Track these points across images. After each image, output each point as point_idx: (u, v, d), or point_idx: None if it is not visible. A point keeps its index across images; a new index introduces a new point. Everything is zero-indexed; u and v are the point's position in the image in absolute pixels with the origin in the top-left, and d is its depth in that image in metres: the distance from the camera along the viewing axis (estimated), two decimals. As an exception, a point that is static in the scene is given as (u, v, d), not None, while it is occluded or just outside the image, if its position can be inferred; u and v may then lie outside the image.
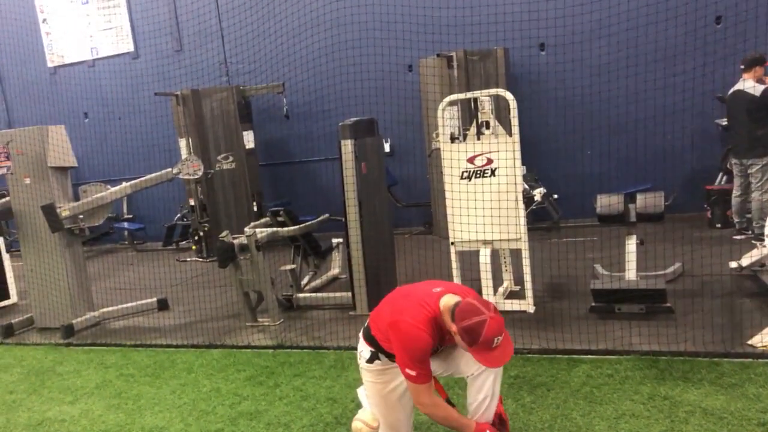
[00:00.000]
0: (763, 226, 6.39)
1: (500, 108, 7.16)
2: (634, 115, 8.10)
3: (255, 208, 9.01)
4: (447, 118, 7.34)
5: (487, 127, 5.46)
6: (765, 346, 3.98)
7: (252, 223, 6.14)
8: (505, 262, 5.81)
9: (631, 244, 5.26)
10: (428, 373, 2.77)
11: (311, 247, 6.34)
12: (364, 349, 3.01)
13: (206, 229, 8.73)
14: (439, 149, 8.35)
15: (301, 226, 5.93)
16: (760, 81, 6.46)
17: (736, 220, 6.82)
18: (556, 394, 3.78)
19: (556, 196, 8.34)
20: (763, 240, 6.03)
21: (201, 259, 8.80)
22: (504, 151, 5.10)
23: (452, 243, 5.31)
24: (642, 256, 5.47)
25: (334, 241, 6.81)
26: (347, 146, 5.54)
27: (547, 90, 8.54)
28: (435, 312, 2.75)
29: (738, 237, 6.69)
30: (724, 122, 7.31)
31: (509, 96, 5.13)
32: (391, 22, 8.77)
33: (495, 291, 5.35)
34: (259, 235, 5.48)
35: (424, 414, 2.90)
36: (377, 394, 2.99)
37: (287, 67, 9.25)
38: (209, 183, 8.77)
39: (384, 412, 3.03)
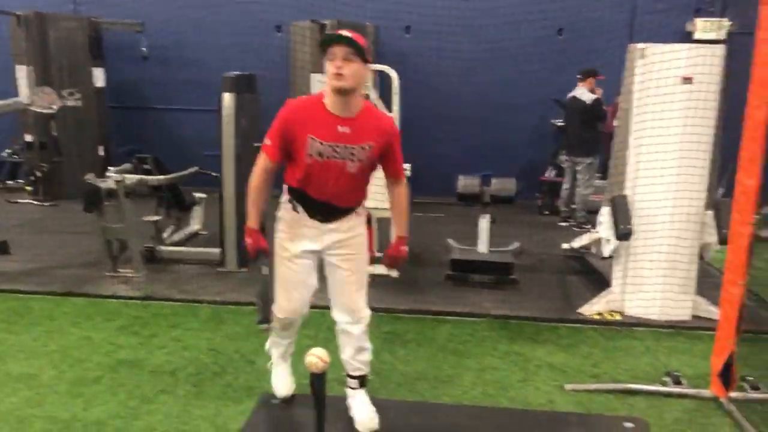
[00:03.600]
0: (584, 216, 7.47)
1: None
2: (484, 107, 8.85)
3: (102, 152, 8.41)
4: (317, 84, 7.50)
5: (367, 100, 5.72)
6: (592, 315, 4.78)
7: (114, 168, 5.80)
8: (375, 226, 6.16)
9: (484, 222, 5.88)
10: (275, 150, 2.79)
11: (176, 200, 6.17)
12: (285, 199, 2.95)
13: (45, 170, 7.97)
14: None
15: (172, 176, 5.76)
16: (592, 90, 7.47)
17: (562, 209, 7.85)
18: (426, 349, 4.22)
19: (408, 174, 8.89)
20: (587, 227, 7.07)
21: (37, 202, 8.03)
22: (386, 125, 5.41)
23: (328, 207, 5.53)
24: (488, 233, 6.14)
25: (197, 195, 6.66)
26: (228, 99, 5.49)
27: (409, 72, 8.99)
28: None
29: (562, 224, 7.73)
30: (559, 123, 8.32)
31: (393, 73, 5.44)
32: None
33: (362, 256, 5.68)
34: (128, 182, 5.24)
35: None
36: (281, 241, 2.94)
37: (149, 5, 8.68)
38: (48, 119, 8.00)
39: (282, 262, 2.95)
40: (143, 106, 9.31)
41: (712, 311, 4.61)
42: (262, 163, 2.87)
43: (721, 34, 5.46)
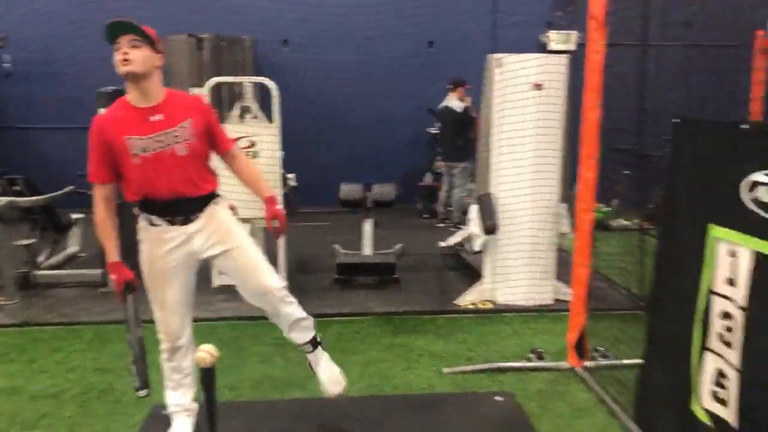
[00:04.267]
0: (460, 217, 7.96)
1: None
2: (364, 117, 9.18)
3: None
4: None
5: (248, 112, 5.86)
6: (466, 305, 5.17)
7: (-23, 192, 5.53)
8: (257, 239, 6.25)
9: (368, 226, 6.16)
10: (99, 173, 2.73)
11: (52, 222, 5.95)
12: (141, 220, 2.84)
13: None
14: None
15: (46, 197, 5.56)
16: (461, 99, 7.99)
17: (440, 211, 8.32)
18: (315, 349, 4.40)
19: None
20: (461, 227, 7.53)
21: None
22: (266, 135, 5.56)
23: (212, 220, 5.58)
24: (373, 236, 6.43)
25: (74, 216, 6.45)
26: (104, 117, 5.41)
27: (288, 84, 9.13)
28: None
29: (440, 225, 8.19)
30: (434, 131, 8.80)
31: (272, 85, 5.60)
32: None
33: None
34: (-2, 205, 5.03)
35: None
36: (156, 264, 2.83)
37: (12, 19, 8.28)
38: None
39: (155, 287, 2.86)
40: (7, 125, 8.83)
41: (570, 294, 5.13)
42: (97, 194, 2.78)
43: (571, 46, 6.08)
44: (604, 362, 4.08)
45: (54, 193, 5.68)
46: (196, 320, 3.96)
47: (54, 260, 6.05)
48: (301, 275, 6.07)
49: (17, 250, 5.55)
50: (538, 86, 5.07)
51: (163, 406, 3.34)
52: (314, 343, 3.23)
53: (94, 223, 2.82)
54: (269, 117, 5.85)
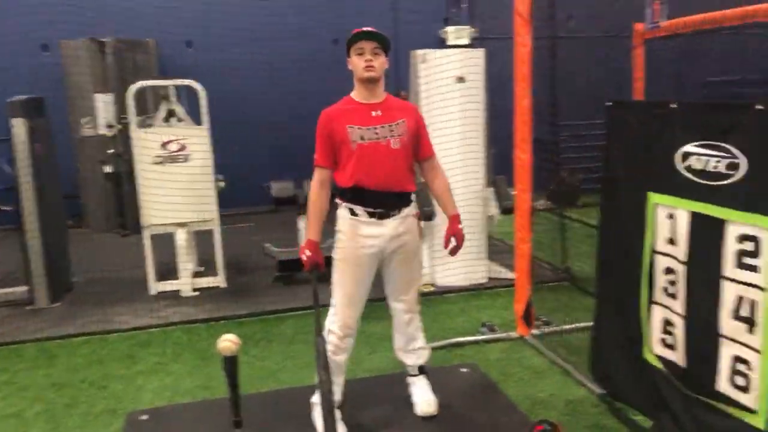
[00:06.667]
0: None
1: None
2: (276, 117, 9.13)
3: None
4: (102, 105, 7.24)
5: (173, 115, 5.76)
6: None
7: None
8: (189, 244, 6.15)
9: (303, 222, 6.22)
10: (323, 157, 2.98)
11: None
12: (341, 209, 3.02)
13: None
14: (87, 137, 8.05)
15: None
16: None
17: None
18: (277, 344, 4.48)
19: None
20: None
21: None
22: (196, 137, 5.50)
23: (145, 227, 5.45)
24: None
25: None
26: (19, 126, 5.15)
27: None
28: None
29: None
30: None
31: (199, 87, 5.55)
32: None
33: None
34: None
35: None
36: (348, 254, 3.00)
37: None
38: None
39: (344, 279, 3.04)
40: None
41: (502, 271, 5.55)
42: (315, 176, 3.00)
43: (466, 40, 6.42)
44: (548, 329, 4.47)
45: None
46: (144, 328, 4.02)
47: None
48: (238, 276, 6.05)
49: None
50: (461, 79, 5.40)
51: (139, 412, 3.33)
52: (422, 371, 3.42)
53: (308, 202, 3.02)
54: (196, 119, 5.79)
